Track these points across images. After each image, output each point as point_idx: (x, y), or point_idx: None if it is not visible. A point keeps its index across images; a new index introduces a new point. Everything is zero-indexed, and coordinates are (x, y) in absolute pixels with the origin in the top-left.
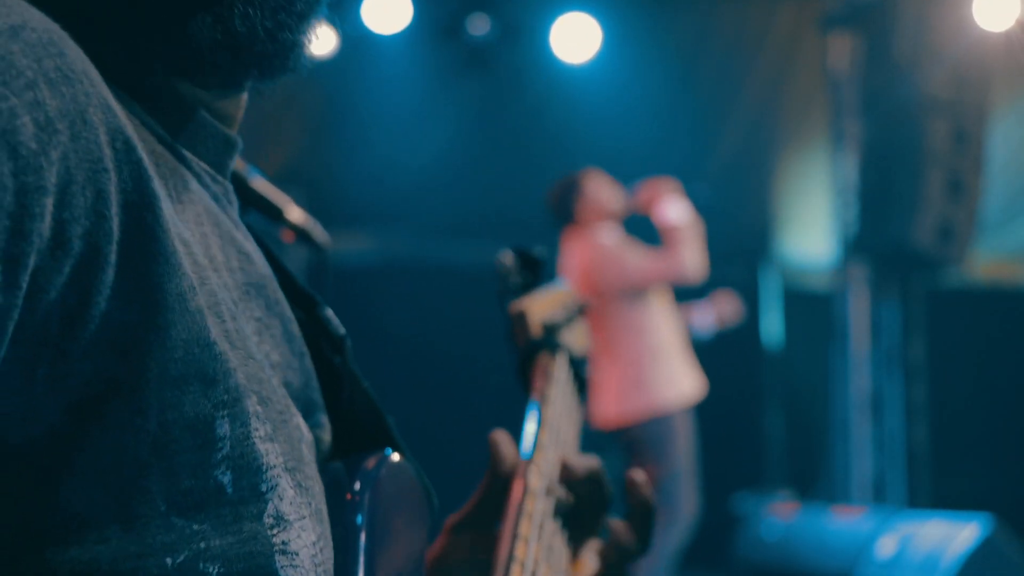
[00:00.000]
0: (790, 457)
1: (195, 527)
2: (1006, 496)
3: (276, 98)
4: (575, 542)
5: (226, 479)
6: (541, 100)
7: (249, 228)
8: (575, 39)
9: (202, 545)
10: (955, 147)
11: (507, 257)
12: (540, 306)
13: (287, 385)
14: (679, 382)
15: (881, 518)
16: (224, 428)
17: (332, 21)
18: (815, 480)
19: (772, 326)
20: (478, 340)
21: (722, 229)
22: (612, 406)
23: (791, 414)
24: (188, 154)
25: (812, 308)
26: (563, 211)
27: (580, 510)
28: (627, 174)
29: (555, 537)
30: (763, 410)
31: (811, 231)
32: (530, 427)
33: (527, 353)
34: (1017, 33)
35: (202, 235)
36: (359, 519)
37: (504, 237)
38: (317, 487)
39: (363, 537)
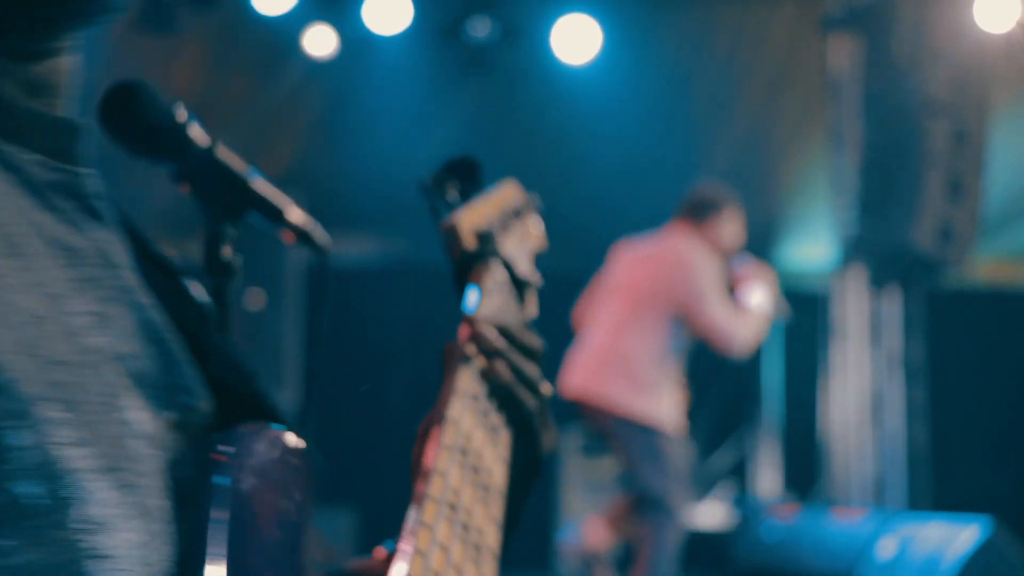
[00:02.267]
0: (790, 458)
1: (2, 543)
2: (1007, 497)
3: (277, 99)
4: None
5: (22, 490)
6: (542, 102)
7: (117, 211)
8: (575, 40)
9: (12, 561)
10: (955, 148)
11: (432, 176)
12: (474, 215)
13: (139, 375)
14: (673, 414)
15: (881, 520)
16: (13, 439)
17: (333, 22)
18: (815, 481)
19: (772, 327)
20: None
21: None
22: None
23: (791, 415)
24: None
25: (812, 309)
26: (696, 209)
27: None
28: (627, 174)
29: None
30: (763, 411)
31: (811, 232)
32: (472, 295)
33: (461, 267)
34: (1017, 34)
35: (4, 236)
36: (216, 496)
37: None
38: (151, 483)
39: (220, 515)
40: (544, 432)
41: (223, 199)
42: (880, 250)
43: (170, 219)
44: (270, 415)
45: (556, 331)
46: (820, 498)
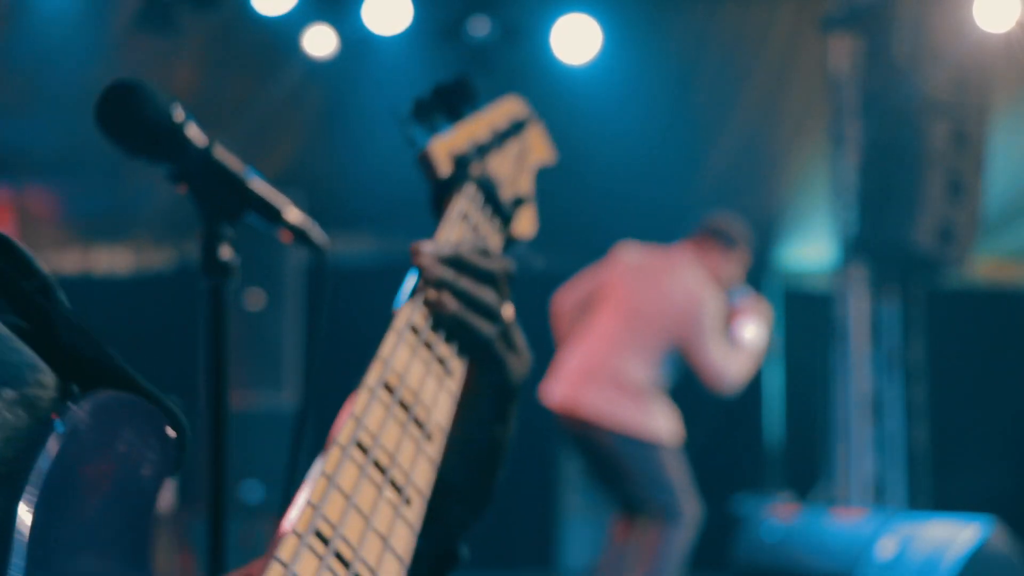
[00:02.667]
0: (790, 458)
1: None
2: (1006, 497)
3: (276, 99)
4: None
5: None
6: (542, 101)
7: None
8: (575, 40)
9: None
10: (955, 148)
11: (415, 103)
12: (455, 139)
13: None
14: (670, 425)
15: (881, 520)
16: None
17: (332, 23)
18: (815, 481)
19: (774, 325)
20: None
21: None
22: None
23: (791, 415)
24: None
25: (812, 309)
26: (712, 237)
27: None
28: (628, 174)
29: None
30: (763, 411)
31: (811, 232)
32: (411, 280)
33: (437, 194)
34: (1017, 34)
35: None
36: (41, 452)
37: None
38: None
39: (42, 471)
40: (510, 357)
41: (221, 199)
42: (880, 250)
43: (168, 220)
44: (126, 384)
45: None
46: (820, 498)
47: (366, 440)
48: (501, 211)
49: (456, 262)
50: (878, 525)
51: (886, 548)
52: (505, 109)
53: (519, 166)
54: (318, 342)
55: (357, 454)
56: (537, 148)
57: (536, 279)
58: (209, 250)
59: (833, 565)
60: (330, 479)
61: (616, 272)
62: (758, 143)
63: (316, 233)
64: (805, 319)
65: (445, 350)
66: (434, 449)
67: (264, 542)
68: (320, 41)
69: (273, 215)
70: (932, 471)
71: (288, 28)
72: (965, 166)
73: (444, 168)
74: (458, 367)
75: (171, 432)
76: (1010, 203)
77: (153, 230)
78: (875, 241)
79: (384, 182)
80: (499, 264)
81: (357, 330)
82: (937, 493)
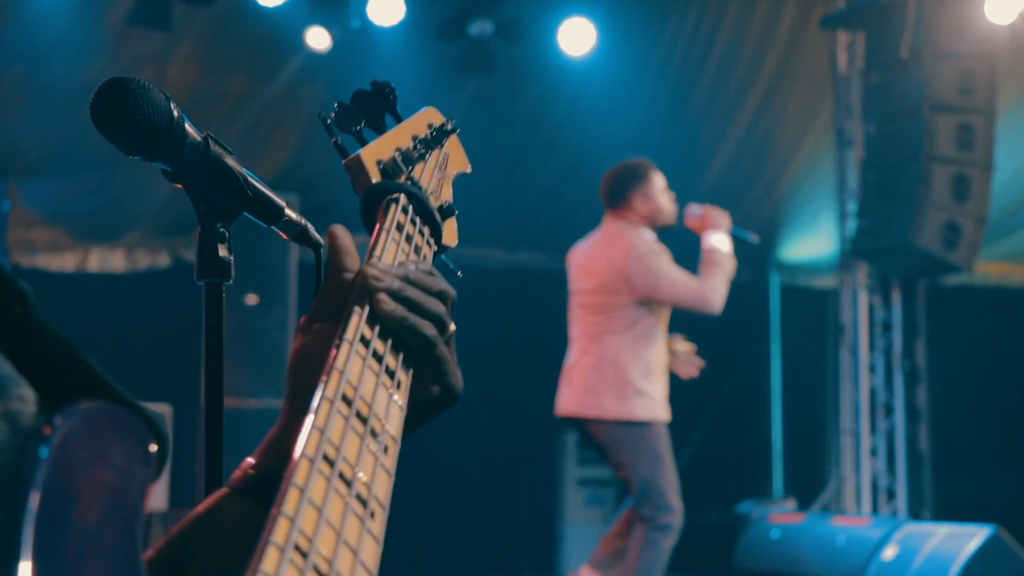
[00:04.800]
0: (793, 462)
1: None
2: (1006, 497)
3: (274, 95)
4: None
5: None
6: (543, 98)
7: None
8: (576, 36)
9: None
10: (961, 147)
11: (337, 110)
12: (381, 148)
13: None
14: (660, 405)
15: (883, 525)
16: None
17: (330, 16)
18: (817, 485)
19: (776, 326)
20: (473, 341)
21: None
22: (585, 397)
23: (792, 417)
24: None
25: (813, 308)
26: (616, 194)
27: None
28: None
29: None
30: (764, 412)
31: (813, 231)
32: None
33: (367, 203)
34: (1022, 28)
35: None
36: (34, 464)
37: (500, 238)
38: None
39: (37, 484)
40: (452, 366)
41: (218, 198)
42: (882, 250)
43: (165, 218)
44: (106, 394)
45: (558, 326)
46: (820, 499)
47: (331, 452)
48: (431, 221)
49: (403, 273)
50: (880, 531)
51: (889, 554)
52: (425, 118)
53: (441, 175)
54: None
55: (324, 467)
56: (456, 157)
57: (537, 279)
58: (206, 249)
59: (836, 571)
60: (303, 491)
61: (571, 276)
62: (761, 141)
63: (313, 232)
64: (806, 319)
65: (392, 361)
66: (390, 461)
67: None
68: (318, 34)
69: (270, 214)
70: (933, 474)
71: (286, 22)
72: (972, 164)
73: (374, 176)
74: (405, 379)
75: (153, 446)
76: (1010, 202)
77: (147, 229)
78: (877, 241)
79: None
80: (445, 284)
81: None
82: (938, 495)
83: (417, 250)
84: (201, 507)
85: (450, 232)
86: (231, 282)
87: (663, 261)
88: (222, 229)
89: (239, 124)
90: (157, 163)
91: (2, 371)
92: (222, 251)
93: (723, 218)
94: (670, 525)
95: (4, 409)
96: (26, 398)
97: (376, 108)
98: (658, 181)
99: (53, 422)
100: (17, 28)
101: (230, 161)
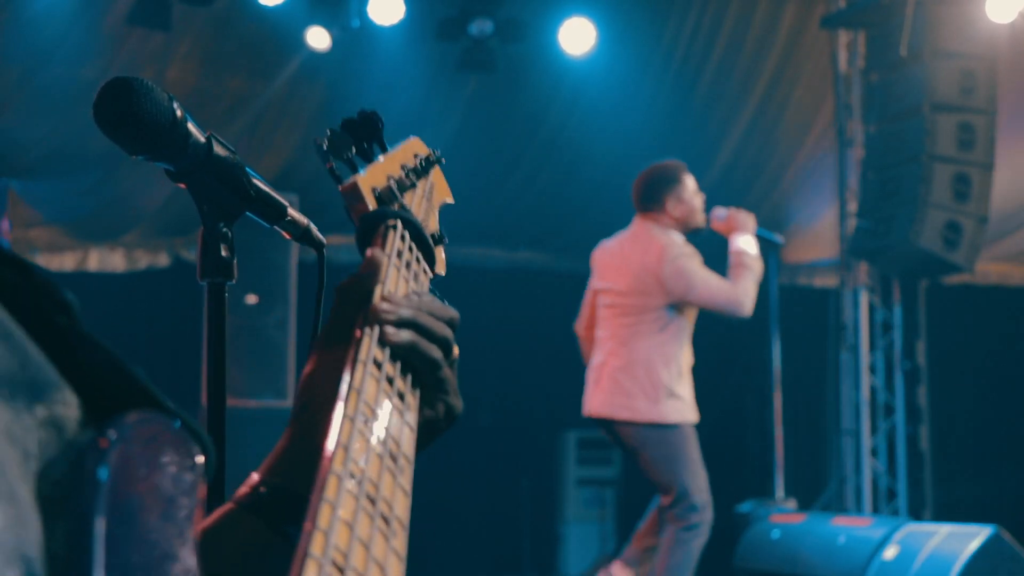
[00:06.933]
0: (793, 462)
1: None
2: (1006, 496)
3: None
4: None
5: None
6: (543, 97)
7: None
8: (579, 38)
9: None
10: (962, 146)
11: (329, 136)
12: (375, 175)
13: None
14: (690, 407)
15: (884, 525)
16: None
17: (330, 15)
18: (818, 485)
19: (776, 326)
20: (473, 341)
21: None
22: (615, 399)
23: (793, 417)
24: None
25: (814, 308)
26: (649, 196)
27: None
28: (631, 172)
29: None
30: (764, 413)
31: (813, 230)
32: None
33: (363, 229)
34: (1023, 26)
35: None
36: (95, 486)
37: (499, 237)
38: (14, 472)
39: (101, 503)
40: (454, 389)
41: (220, 197)
42: (882, 249)
43: (165, 218)
44: (151, 404)
45: (561, 326)
46: (823, 502)
47: (356, 471)
48: (426, 248)
49: (411, 300)
50: (881, 531)
51: (889, 554)
52: (411, 148)
53: (428, 205)
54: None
55: (351, 485)
56: (440, 187)
57: (536, 279)
58: (208, 249)
59: (837, 571)
60: (335, 508)
61: (597, 275)
62: (761, 141)
63: (315, 232)
64: (806, 318)
65: (402, 383)
66: (407, 481)
67: None
68: (319, 33)
69: (272, 214)
70: (934, 474)
71: (286, 21)
72: (972, 165)
73: (370, 202)
74: (413, 401)
75: (200, 457)
76: (1012, 203)
77: (147, 228)
78: (878, 240)
79: None
80: (453, 311)
81: None
82: (938, 494)
83: (415, 277)
84: (206, 524)
85: (440, 261)
86: (234, 282)
87: (695, 264)
88: (225, 229)
89: (239, 124)
90: (160, 163)
91: (47, 375)
92: (224, 251)
93: (749, 220)
94: (700, 524)
95: (49, 413)
96: (70, 403)
97: (364, 136)
98: (690, 184)
99: (108, 435)
100: (16, 28)
101: (232, 160)
